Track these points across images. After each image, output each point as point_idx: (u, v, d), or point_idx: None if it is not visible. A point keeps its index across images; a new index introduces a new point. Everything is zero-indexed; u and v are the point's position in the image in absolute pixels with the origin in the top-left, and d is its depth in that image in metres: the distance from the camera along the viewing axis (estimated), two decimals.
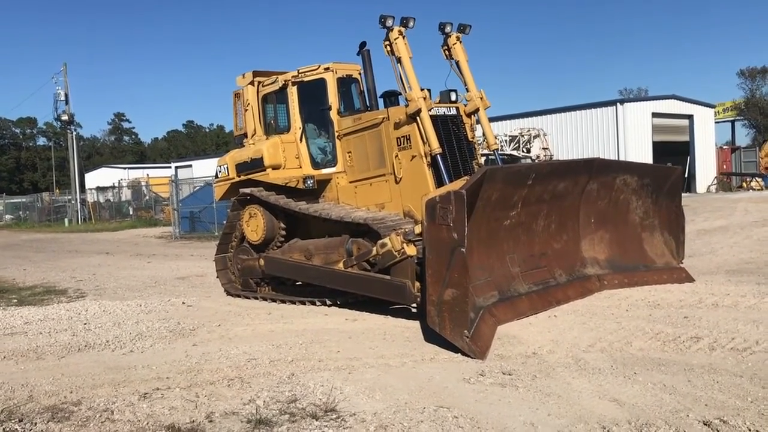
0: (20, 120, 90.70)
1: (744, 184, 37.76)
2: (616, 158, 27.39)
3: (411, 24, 8.63)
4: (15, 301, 11.32)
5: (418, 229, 7.44)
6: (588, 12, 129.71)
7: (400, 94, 8.66)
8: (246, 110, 10.44)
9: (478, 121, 9.20)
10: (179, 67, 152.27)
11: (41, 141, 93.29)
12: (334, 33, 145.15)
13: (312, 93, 9.73)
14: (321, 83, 9.65)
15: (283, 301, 9.63)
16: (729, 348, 5.97)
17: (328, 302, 9.02)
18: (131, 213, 41.73)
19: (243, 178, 10.28)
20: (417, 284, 7.42)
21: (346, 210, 9.09)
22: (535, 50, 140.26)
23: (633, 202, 9.20)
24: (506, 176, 7.27)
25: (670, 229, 9.52)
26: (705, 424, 4.29)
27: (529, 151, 30.55)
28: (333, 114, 9.58)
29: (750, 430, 4.18)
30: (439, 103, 8.77)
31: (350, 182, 9.51)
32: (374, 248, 7.90)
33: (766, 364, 5.48)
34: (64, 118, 43.80)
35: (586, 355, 6.03)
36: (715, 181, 37.61)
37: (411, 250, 7.53)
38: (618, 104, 32.23)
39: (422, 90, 8.38)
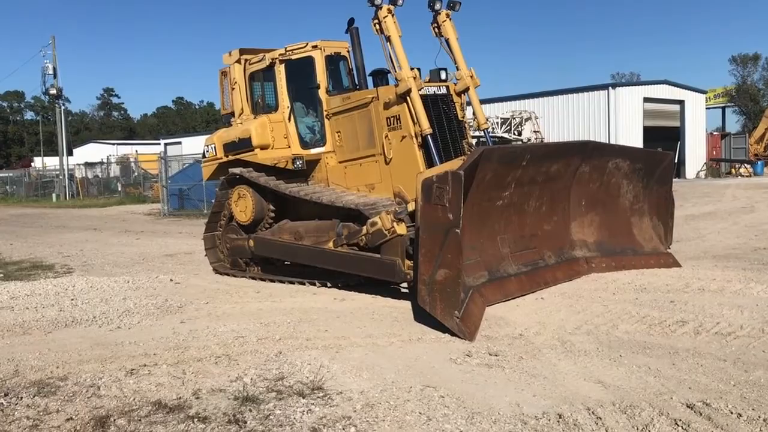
0: (7, 93, 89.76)
1: (733, 171, 37.98)
2: (608, 142, 27.43)
3: (400, 2, 8.49)
4: (1, 275, 11.25)
5: (411, 206, 7.41)
6: None
7: (389, 72, 8.58)
8: (233, 89, 10.32)
9: (468, 101, 9.15)
10: (169, 43, 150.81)
11: (29, 115, 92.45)
12: (323, 10, 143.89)
13: (300, 71, 9.61)
14: (309, 61, 9.52)
15: (272, 281, 9.62)
16: (714, 332, 6.03)
17: (318, 284, 9.01)
18: (120, 189, 41.43)
19: (231, 158, 10.18)
20: (408, 262, 7.43)
21: (337, 194, 9.01)
22: (527, 33, 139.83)
23: (624, 186, 9.22)
24: (501, 156, 7.25)
25: (659, 215, 9.55)
26: (688, 407, 4.34)
27: (520, 134, 30.52)
28: (321, 93, 9.49)
29: (732, 412, 4.23)
30: (429, 82, 8.68)
31: (340, 162, 9.45)
32: (364, 227, 7.89)
33: (749, 348, 5.54)
34: (53, 92, 43.34)
35: (573, 337, 6.07)
36: (705, 167, 37.78)
37: (401, 229, 7.52)
38: (610, 88, 32.18)
39: (412, 69, 8.30)
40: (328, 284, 8.91)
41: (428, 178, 6.36)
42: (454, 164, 6.52)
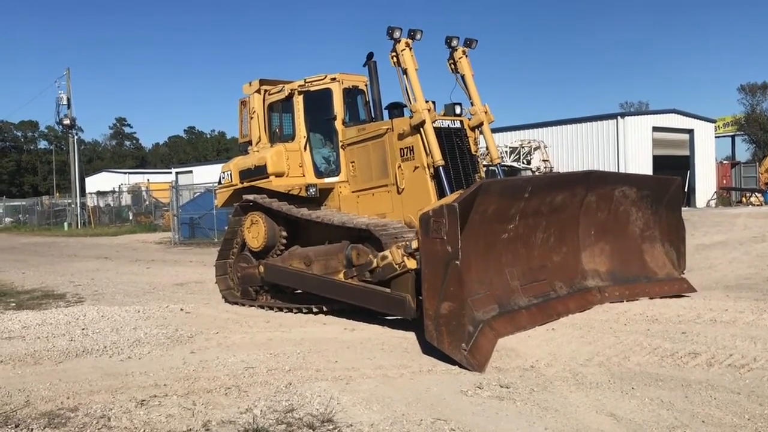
0: (22, 123, 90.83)
1: (743, 199, 37.79)
2: (616, 171, 27.41)
3: (418, 36, 8.70)
4: (13, 304, 11.31)
5: (415, 243, 7.42)
6: (590, 25, 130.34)
7: (405, 106, 8.71)
8: (251, 118, 10.53)
9: (481, 134, 9.24)
10: (181, 73, 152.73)
11: (42, 144, 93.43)
12: (340, 43, 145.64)
13: (318, 103, 9.79)
14: (327, 93, 9.72)
15: (281, 309, 9.62)
16: (727, 364, 5.97)
17: (325, 309, 9.02)
18: (131, 218, 41.70)
19: (246, 184, 10.32)
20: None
21: (348, 216, 9.11)
22: (537, 63, 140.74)
23: (633, 214, 9.22)
24: (502, 189, 7.24)
25: (670, 240, 9.52)
26: None
27: (529, 162, 30.61)
28: (338, 124, 9.64)
29: None
30: (444, 115, 8.83)
31: (353, 192, 9.55)
32: (375, 260, 7.88)
33: (763, 381, 5.48)
34: (66, 122, 43.85)
35: (584, 369, 6.03)
36: (715, 196, 37.64)
37: (411, 264, 7.45)
38: (619, 117, 32.25)
39: (427, 102, 8.43)
40: (335, 308, 8.90)
41: (425, 213, 6.40)
42: (452, 197, 6.55)
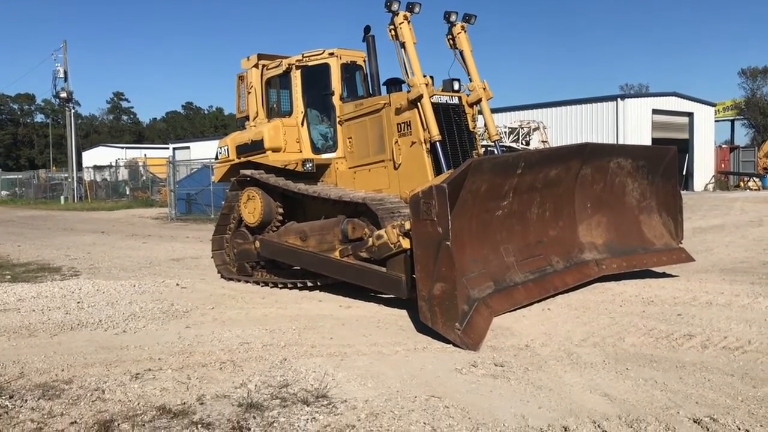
0: (18, 96, 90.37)
1: (741, 184, 37.86)
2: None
3: (417, 9, 8.60)
4: (8, 277, 11.30)
5: (408, 224, 7.38)
6: (592, 6, 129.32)
7: (404, 82, 8.62)
8: (249, 93, 10.43)
9: (480, 112, 9.17)
10: (180, 48, 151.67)
11: (39, 118, 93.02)
12: (338, 18, 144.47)
13: (315, 78, 9.71)
14: (325, 68, 9.63)
15: (276, 285, 9.61)
16: (721, 347, 5.99)
17: (319, 283, 9.00)
18: (128, 193, 41.61)
19: (243, 159, 10.28)
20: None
21: (345, 191, 9.07)
22: (538, 43, 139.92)
23: (629, 185, 9.18)
24: (494, 166, 7.13)
25: (667, 210, 9.50)
26: (695, 422, 4.30)
27: (528, 143, 30.53)
28: (335, 99, 9.56)
29: (740, 428, 4.20)
30: (442, 91, 8.75)
31: (349, 168, 9.50)
32: (370, 239, 7.85)
33: (757, 363, 5.49)
34: (63, 95, 43.61)
35: (579, 349, 6.04)
36: (713, 180, 37.65)
37: (406, 244, 7.38)
38: (618, 99, 32.18)
39: (425, 77, 8.35)
40: (329, 282, 8.89)
41: (415, 194, 6.38)
42: (441, 178, 6.49)
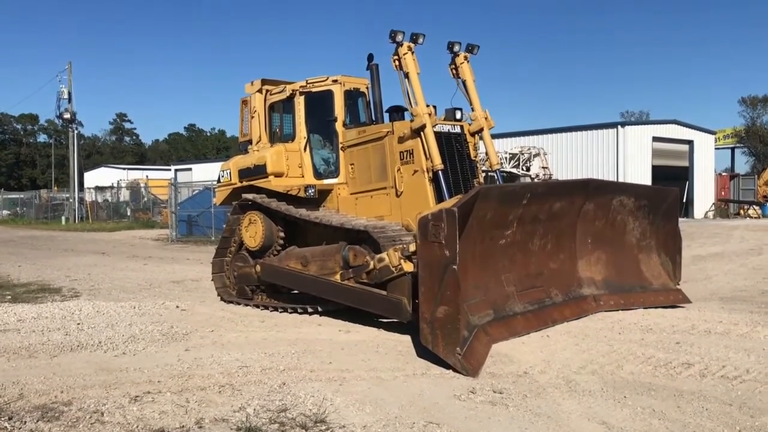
0: (22, 116, 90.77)
1: (741, 212, 37.89)
2: (615, 180, 27.48)
3: (420, 40, 8.73)
4: (9, 297, 11.31)
5: (412, 247, 7.42)
6: (593, 35, 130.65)
7: (406, 109, 8.73)
8: (252, 117, 10.54)
9: (481, 139, 9.27)
10: (183, 70, 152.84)
11: (42, 138, 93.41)
12: (340, 45, 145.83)
13: (319, 104, 9.82)
14: (328, 95, 9.75)
15: (276, 309, 9.62)
16: (719, 375, 5.99)
17: (320, 309, 9.03)
18: (129, 214, 41.66)
19: (245, 183, 10.34)
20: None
21: (347, 217, 9.13)
22: (539, 71, 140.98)
23: (630, 223, 9.24)
24: (501, 195, 7.25)
25: (666, 251, 9.54)
26: None
27: (528, 169, 30.60)
28: (338, 125, 9.66)
29: None
30: (444, 120, 8.85)
31: (351, 194, 9.57)
32: (372, 262, 7.89)
33: (755, 393, 5.50)
34: (66, 116, 43.81)
35: (577, 376, 6.04)
36: (713, 208, 37.71)
37: (408, 267, 7.45)
38: (619, 126, 32.34)
39: (428, 106, 8.46)
40: (330, 308, 8.92)
41: (424, 216, 6.43)
42: (451, 202, 6.55)
